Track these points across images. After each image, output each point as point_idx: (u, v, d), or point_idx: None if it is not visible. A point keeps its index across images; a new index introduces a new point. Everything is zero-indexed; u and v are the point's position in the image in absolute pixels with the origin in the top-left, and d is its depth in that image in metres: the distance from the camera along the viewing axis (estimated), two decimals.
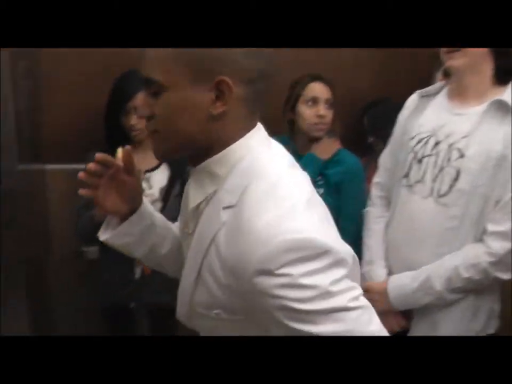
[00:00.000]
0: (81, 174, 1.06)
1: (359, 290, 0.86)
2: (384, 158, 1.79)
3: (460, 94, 1.55)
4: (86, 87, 2.22)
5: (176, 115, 0.88)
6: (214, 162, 0.92)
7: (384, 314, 1.59)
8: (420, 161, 1.58)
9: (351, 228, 1.97)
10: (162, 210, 2.02)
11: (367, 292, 1.63)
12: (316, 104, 1.97)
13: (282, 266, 0.79)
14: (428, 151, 1.56)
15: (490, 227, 1.45)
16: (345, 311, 0.81)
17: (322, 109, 1.97)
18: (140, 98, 1.93)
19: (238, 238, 0.84)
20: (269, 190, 0.86)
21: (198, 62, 0.85)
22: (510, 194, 1.42)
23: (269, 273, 0.79)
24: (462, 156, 1.47)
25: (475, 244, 1.47)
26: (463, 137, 1.49)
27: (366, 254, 1.74)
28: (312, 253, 0.80)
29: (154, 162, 2.06)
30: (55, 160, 2.24)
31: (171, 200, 2.05)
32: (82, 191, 1.08)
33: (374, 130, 2.42)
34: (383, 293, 1.60)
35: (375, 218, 1.77)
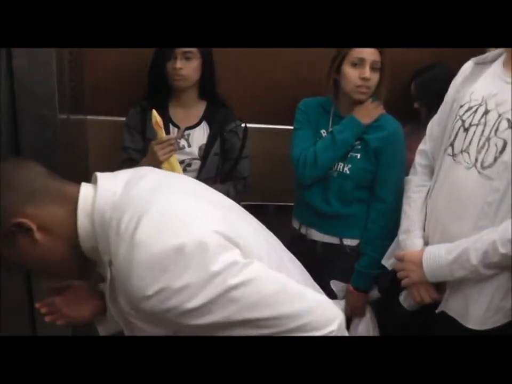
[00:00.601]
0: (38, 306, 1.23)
1: (238, 265, 0.91)
2: (432, 126, 1.73)
3: None
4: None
5: None
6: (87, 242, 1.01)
7: (417, 285, 1.60)
8: (466, 130, 1.51)
9: (387, 196, 1.95)
10: (201, 169, 2.04)
11: (401, 261, 1.64)
12: (362, 66, 1.89)
13: (152, 286, 0.87)
14: (476, 120, 1.49)
15: None
16: (233, 291, 0.89)
17: (367, 71, 1.88)
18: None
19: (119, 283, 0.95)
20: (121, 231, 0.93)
21: None
22: None
23: (148, 298, 0.88)
24: (511, 126, 1.40)
25: None
26: None
27: (404, 222, 1.71)
28: (169, 261, 0.88)
29: (195, 119, 2.08)
30: (96, 112, 2.25)
31: (210, 158, 2.05)
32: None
33: (421, 96, 2.35)
34: (418, 263, 1.57)
35: (416, 187, 1.72)
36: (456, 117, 1.56)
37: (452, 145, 1.56)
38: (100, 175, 1.02)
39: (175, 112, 2.07)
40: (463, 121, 1.53)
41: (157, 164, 1.75)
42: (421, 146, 1.76)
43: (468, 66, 1.63)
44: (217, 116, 2.07)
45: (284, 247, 1.22)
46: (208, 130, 2.07)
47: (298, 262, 1.25)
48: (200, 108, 2.09)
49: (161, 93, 2.04)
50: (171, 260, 0.87)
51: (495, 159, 1.42)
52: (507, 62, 1.49)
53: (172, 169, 1.82)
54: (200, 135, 2.06)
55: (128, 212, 0.92)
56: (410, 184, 1.74)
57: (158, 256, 0.87)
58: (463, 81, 1.61)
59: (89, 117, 2.26)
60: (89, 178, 1.07)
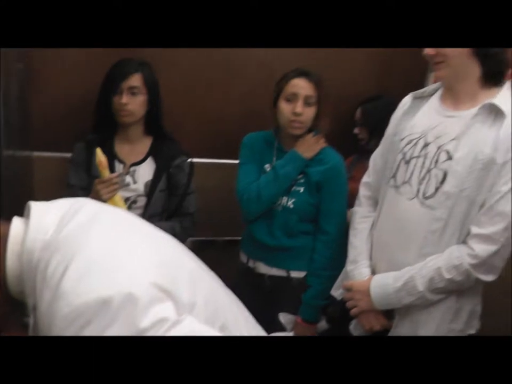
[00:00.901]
0: None
1: (168, 323, 0.85)
2: (375, 158, 1.80)
3: (451, 97, 1.56)
4: (75, 76, 2.21)
5: None
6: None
7: (366, 313, 1.64)
8: (407, 162, 1.59)
9: (331, 228, 2.00)
10: (147, 206, 2.02)
11: (350, 291, 1.68)
12: (294, 101, 1.94)
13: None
14: (416, 153, 1.57)
15: (474, 230, 1.46)
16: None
17: (299, 106, 1.92)
18: (136, 79, 1.95)
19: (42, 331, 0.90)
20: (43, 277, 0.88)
21: None
22: (495, 198, 1.43)
23: None
24: (450, 158, 1.49)
25: (459, 245, 1.49)
26: (452, 139, 1.50)
27: (351, 253, 1.76)
28: (93, 314, 0.82)
29: (141, 155, 2.07)
30: (43, 147, 2.21)
31: (156, 195, 2.04)
32: None
33: (365, 122, 2.48)
34: (366, 292, 1.61)
35: (361, 218, 1.78)
36: (397, 150, 1.64)
37: (394, 177, 1.63)
38: (33, 208, 0.96)
39: (121, 148, 2.06)
40: (404, 154, 1.61)
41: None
42: (365, 178, 1.83)
43: (407, 100, 1.73)
44: (163, 151, 2.07)
45: (223, 283, 1.16)
46: (154, 166, 2.05)
47: (238, 301, 1.19)
48: (146, 144, 2.09)
49: (107, 128, 2.03)
50: (95, 312, 0.81)
51: (436, 189, 1.50)
52: (444, 96, 1.60)
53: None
54: (146, 171, 2.05)
55: (56, 256, 0.87)
56: (356, 216, 1.80)
57: (81, 309, 0.81)
58: (402, 114, 1.70)
59: (35, 153, 2.22)
60: None
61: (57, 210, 0.97)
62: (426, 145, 1.56)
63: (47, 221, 0.93)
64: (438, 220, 1.50)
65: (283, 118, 1.97)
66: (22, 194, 1.92)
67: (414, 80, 2.55)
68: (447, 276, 1.47)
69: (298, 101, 1.93)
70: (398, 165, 1.62)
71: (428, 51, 1.51)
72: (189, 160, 2.11)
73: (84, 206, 1.00)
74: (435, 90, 1.65)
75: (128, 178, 2.02)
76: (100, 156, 1.81)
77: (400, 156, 1.62)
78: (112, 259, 0.88)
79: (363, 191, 1.81)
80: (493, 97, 1.48)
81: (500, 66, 1.49)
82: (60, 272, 0.84)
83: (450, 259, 1.48)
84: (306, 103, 1.94)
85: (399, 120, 1.70)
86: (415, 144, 1.59)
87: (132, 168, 2.04)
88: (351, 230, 1.80)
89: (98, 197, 1.75)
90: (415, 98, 1.69)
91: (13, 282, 0.93)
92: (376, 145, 1.82)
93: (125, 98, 1.93)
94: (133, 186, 2.02)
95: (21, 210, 0.98)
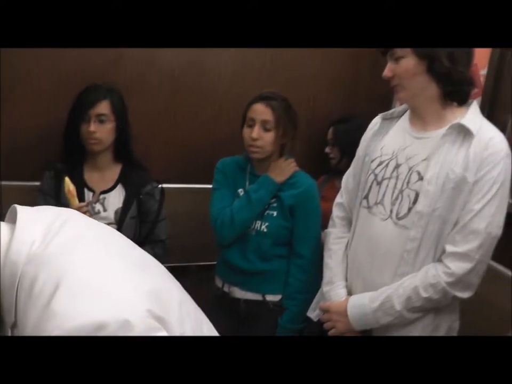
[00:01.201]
0: None
1: None
2: (347, 179, 1.81)
3: (419, 118, 1.59)
4: (43, 105, 2.18)
5: None
6: None
7: (344, 334, 1.63)
8: (379, 183, 1.61)
9: (305, 251, 2.01)
10: None
11: (327, 312, 1.67)
12: (252, 126, 1.96)
13: None
14: (388, 174, 1.59)
15: (449, 248, 1.48)
16: None
17: (255, 131, 1.94)
18: (103, 106, 1.93)
19: None
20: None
21: None
22: (468, 216, 1.45)
23: None
24: (421, 178, 1.51)
25: (434, 264, 1.50)
26: (423, 160, 1.52)
27: (326, 274, 1.76)
28: None
29: (110, 182, 2.05)
30: (9, 177, 2.14)
31: (126, 222, 2.01)
32: None
33: (337, 141, 2.51)
34: (343, 312, 1.61)
35: (335, 239, 1.79)
36: (368, 171, 1.66)
37: (366, 198, 1.64)
38: (20, 213, 0.88)
39: (90, 176, 2.04)
40: (376, 175, 1.63)
41: None
42: (338, 199, 1.84)
43: (376, 121, 1.75)
44: (132, 178, 2.05)
45: (201, 311, 1.12)
46: (124, 194, 2.03)
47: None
48: (115, 171, 2.06)
49: (76, 156, 2.01)
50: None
51: (409, 209, 1.52)
52: (412, 117, 1.62)
53: None
54: (115, 199, 2.02)
55: (43, 272, 0.80)
56: (330, 237, 1.81)
57: (73, 333, 0.75)
58: (372, 135, 1.72)
59: (3, 182, 2.14)
60: None
61: (43, 220, 0.90)
62: (397, 166, 1.57)
63: (33, 231, 0.86)
64: (412, 240, 1.51)
65: (244, 142, 1.99)
66: None
67: (381, 101, 2.60)
68: (424, 294, 1.48)
69: (255, 126, 1.95)
70: (370, 186, 1.64)
71: (386, 73, 1.54)
72: (159, 186, 2.09)
73: (69, 219, 0.94)
74: (403, 112, 1.67)
75: (98, 206, 2.01)
76: (69, 184, 1.80)
77: (371, 177, 1.64)
78: (105, 282, 0.83)
79: (336, 212, 1.82)
80: (461, 116, 1.50)
81: (457, 84, 1.50)
82: (48, 291, 0.78)
83: (426, 278, 1.49)
84: (264, 128, 1.95)
85: (369, 141, 1.72)
86: (387, 165, 1.61)
87: (102, 196, 2.02)
88: (326, 251, 1.80)
89: None
90: (384, 119, 1.72)
91: None
92: (348, 165, 1.84)
93: (93, 126, 1.92)
94: (103, 214, 2.00)
95: None
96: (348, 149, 2.26)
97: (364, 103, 2.64)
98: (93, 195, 2.01)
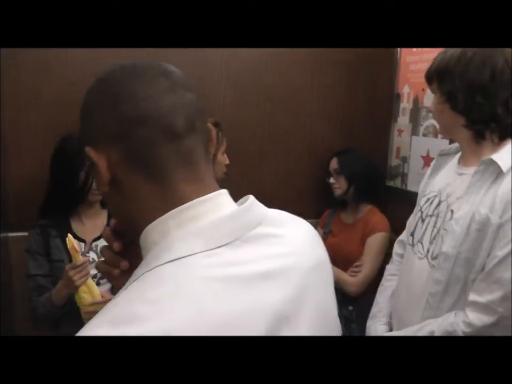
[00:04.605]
0: None
1: None
2: (411, 217, 1.75)
3: (462, 154, 1.51)
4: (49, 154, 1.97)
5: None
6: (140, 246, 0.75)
7: None
8: (423, 220, 1.55)
9: None
10: None
11: None
12: None
13: None
14: (431, 211, 1.53)
15: (472, 296, 1.35)
16: None
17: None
18: None
19: None
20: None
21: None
22: (492, 263, 1.31)
23: None
24: (451, 217, 1.42)
25: (457, 311, 1.39)
26: (458, 198, 1.42)
27: (373, 309, 1.75)
28: None
29: (99, 229, 2.00)
30: (17, 228, 2.16)
31: None
32: None
33: (342, 170, 2.42)
34: None
35: (389, 276, 1.76)
36: (417, 208, 1.61)
37: (412, 235, 1.59)
38: None
39: (77, 226, 1.97)
40: (422, 212, 1.57)
41: (74, 288, 1.73)
42: (400, 236, 1.80)
43: (436, 158, 1.68)
44: None
45: None
46: None
47: None
48: (103, 217, 2.03)
49: (66, 207, 1.96)
50: None
51: (440, 249, 1.43)
52: (461, 154, 1.53)
53: (89, 291, 1.76)
54: None
55: None
56: (386, 273, 1.78)
57: None
58: (430, 173, 1.66)
59: (10, 234, 2.20)
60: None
61: None
62: (439, 204, 1.50)
63: None
64: (437, 282, 1.42)
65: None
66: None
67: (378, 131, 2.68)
68: None
69: None
70: (416, 223, 1.58)
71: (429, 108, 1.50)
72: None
73: None
74: (459, 148, 1.57)
75: (92, 254, 1.95)
76: (73, 240, 1.75)
77: (419, 214, 1.58)
78: None
79: (396, 249, 1.79)
80: (496, 152, 1.38)
81: (482, 119, 1.39)
82: None
83: (444, 324, 1.39)
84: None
85: (428, 178, 1.67)
86: (431, 202, 1.54)
87: (94, 244, 1.97)
88: (380, 286, 1.78)
89: (71, 283, 1.73)
90: (441, 155, 1.64)
91: None
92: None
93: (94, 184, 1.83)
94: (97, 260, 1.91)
95: None
96: (355, 177, 2.34)
97: (362, 135, 2.68)
98: (85, 245, 1.95)
